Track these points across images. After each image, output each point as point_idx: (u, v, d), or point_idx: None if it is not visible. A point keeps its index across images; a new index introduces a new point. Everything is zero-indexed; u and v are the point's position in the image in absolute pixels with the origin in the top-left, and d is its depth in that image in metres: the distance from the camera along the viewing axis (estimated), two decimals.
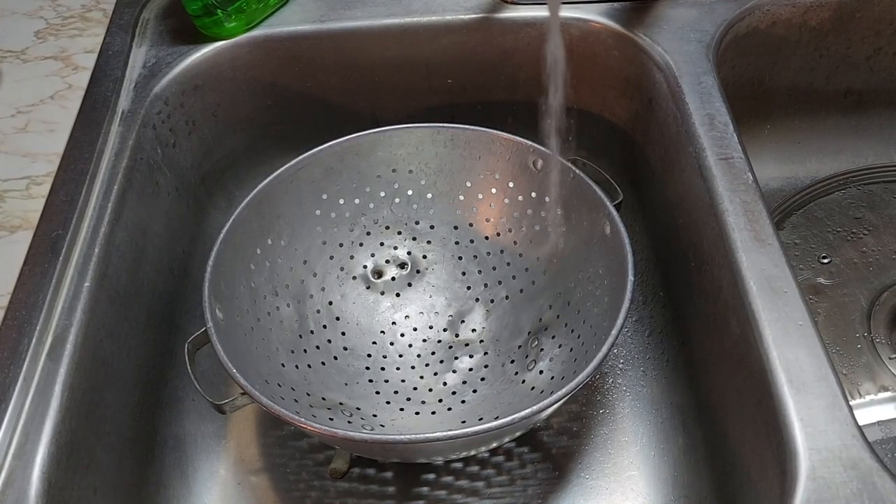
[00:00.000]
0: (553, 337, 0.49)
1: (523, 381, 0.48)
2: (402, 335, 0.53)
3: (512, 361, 0.50)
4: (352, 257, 0.54)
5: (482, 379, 0.50)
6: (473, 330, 0.53)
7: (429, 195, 0.54)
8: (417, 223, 0.55)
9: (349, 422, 0.46)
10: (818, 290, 0.57)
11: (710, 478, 0.45)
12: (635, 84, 0.56)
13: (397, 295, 0.54)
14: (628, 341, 0.54)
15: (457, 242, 0.55)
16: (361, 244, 0.54)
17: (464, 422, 0.47)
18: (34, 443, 0.36)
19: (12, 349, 0.39)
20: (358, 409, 0.47)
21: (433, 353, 0.52)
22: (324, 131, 0.53)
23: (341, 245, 0.54)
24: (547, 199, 0.51)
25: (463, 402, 0.49)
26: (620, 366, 0.52)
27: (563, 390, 0.38)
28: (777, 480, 0.35)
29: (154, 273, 0.49)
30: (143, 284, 0.47)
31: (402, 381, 0.50)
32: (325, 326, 0.51)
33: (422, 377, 0.50)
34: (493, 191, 0.53)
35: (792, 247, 0.59)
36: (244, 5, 0.53)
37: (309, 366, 0.48)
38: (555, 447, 0.49)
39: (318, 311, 0.51)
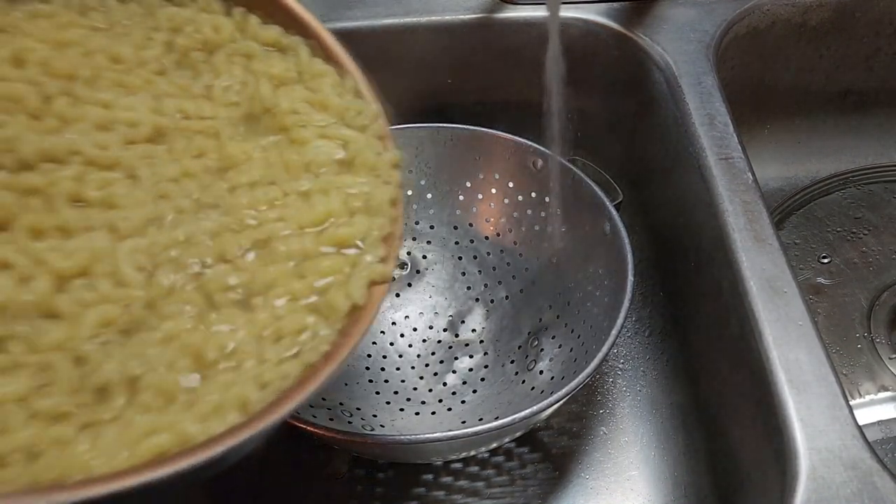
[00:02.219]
0: (553, 337, 0.49)
1: (523, 382, 0.48)
2: (402, 335, 0.53)
3: (512, 362, 0.50)
4: None
5: (482, 379, 0.50)
6: (473, 330, 0.53)
7: (428, 195, 0.54)
8: (417, 223, 0.55)
9: (349, 422, 0.46)
10: (818, 290, 0.57)
11: (710, 478, 0.45)
12: (635, 84, 0.56)
13: (397, 295, 0.54)
14: (628, 341, 0.54)
15: (457, 242, 0.55)
16: None
17: (464, 422, 0.47)
18: None
19: None
20: (358, 409, 0.47)
21: (433, 354, 0.52)
22: None
23: None
24: (547, 199, 0.51)
25: (463, 402, 0.49)
26: (620, 366, 0.52)
27: (563, 390, 0.38)
28: (777, 480, 0.35)
29: None
30: None
31: (402, 381, 0.50)
32: None
33: (422, 377, 0.50)
34: (493, 191, 0.53)
35: (792, 247, 0.59)
36: None
37: None
38: (555, 447, 0.49)
39: None
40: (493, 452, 0.48)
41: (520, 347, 0.50)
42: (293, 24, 0.34)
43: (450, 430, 0.37)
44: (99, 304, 0.25)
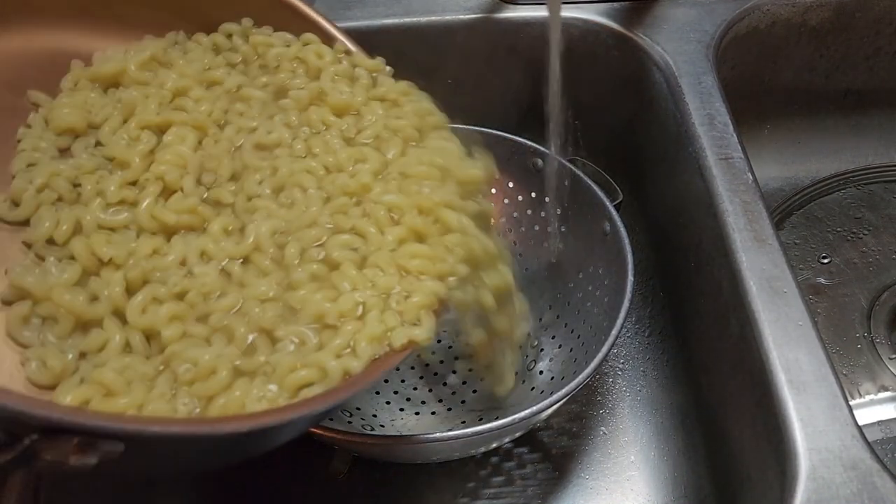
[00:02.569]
0: (553, 337, 0.49)
1: (523, 382, 0.48)
2: None
3: None
4: None
5: (482, 379, 0.50)
6: None
7: None
8: None
9: (349, 422, 0.46)
10: (818, 290, 0.57)
11: (710, 478, 0.45)
12: (635, 84, 0.56)
13: None
14: (628, 341, 0.54)
15: None
16: None
17: (463, 422, 0.47)
18: None
19: None
20: (358, 409, 0.47)
21: (433, 354, 0.52)
22: None
23: None
24: (547, 199, 0.51)
25: (463, 402, 0.48)
26: (620, 366, 0.52)
27: (563, 391, 0.38)
28: (777, 481, 0.35)
29: None
30: None
31: (402, 381, 0.50)
32: None
33: (422, 377, 0.50)
34: (493, 191, 0.53)
35: (792, 247, 0.59)
36: None
37: None
38: (554, 447, 0.49)
39: None
40: (493, 452, 0.48)
41: (520, 347, 0.50)
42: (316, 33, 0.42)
43: (450, 431, 0.37)
44: (261, 278, 0.33)
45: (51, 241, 0.32)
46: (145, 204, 0.33)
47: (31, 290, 0.30)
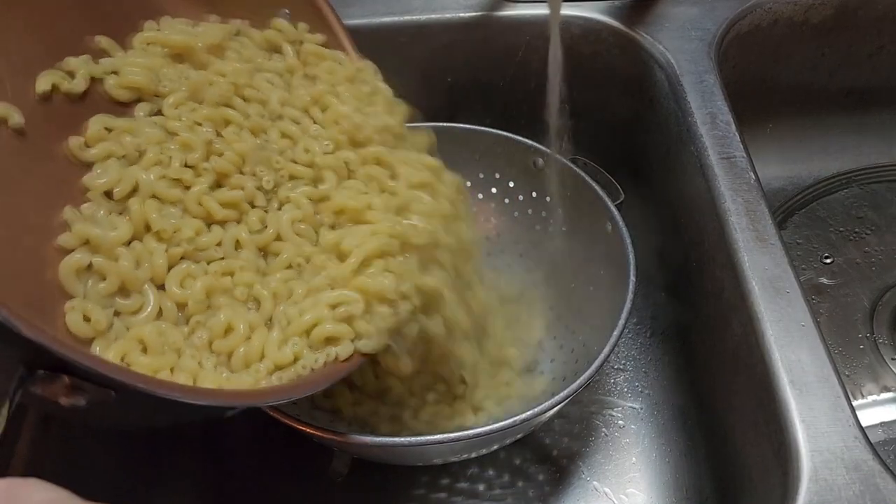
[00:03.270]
0: (554, 338, 0.49)
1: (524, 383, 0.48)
2: None
3: None
4: None
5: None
6: None
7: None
8: None
9: (349, 424, 0.45)
10: (820, 291, 0.56)
11: (711, 479, 0.45)
12: (636, 83, 0.55)
13: None
14: (629, 342, 0.54)
15: None
16: None
17: None
18: None
19: None
20: None
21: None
22: None
23: None
24: (547, 198, 0.50)
25: None
26: (621, 367, 0.52)
27: (565, 392, 0.38)
28: (779, 482, 0.35)
29: None
30: None
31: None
32: None
33: None
34: (493, 191, 0.53)
35: (794, 246, 0.59)
36: None
37: None
38: (556, 449, 0.48)
39: None
40: (494, 454, 0.48)
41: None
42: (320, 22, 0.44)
43: (450, 432, 0.37)
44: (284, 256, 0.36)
45: (107, 194, 0.33)
46: (197, 189, 0.35)
47: (92, 240, 0.31)
